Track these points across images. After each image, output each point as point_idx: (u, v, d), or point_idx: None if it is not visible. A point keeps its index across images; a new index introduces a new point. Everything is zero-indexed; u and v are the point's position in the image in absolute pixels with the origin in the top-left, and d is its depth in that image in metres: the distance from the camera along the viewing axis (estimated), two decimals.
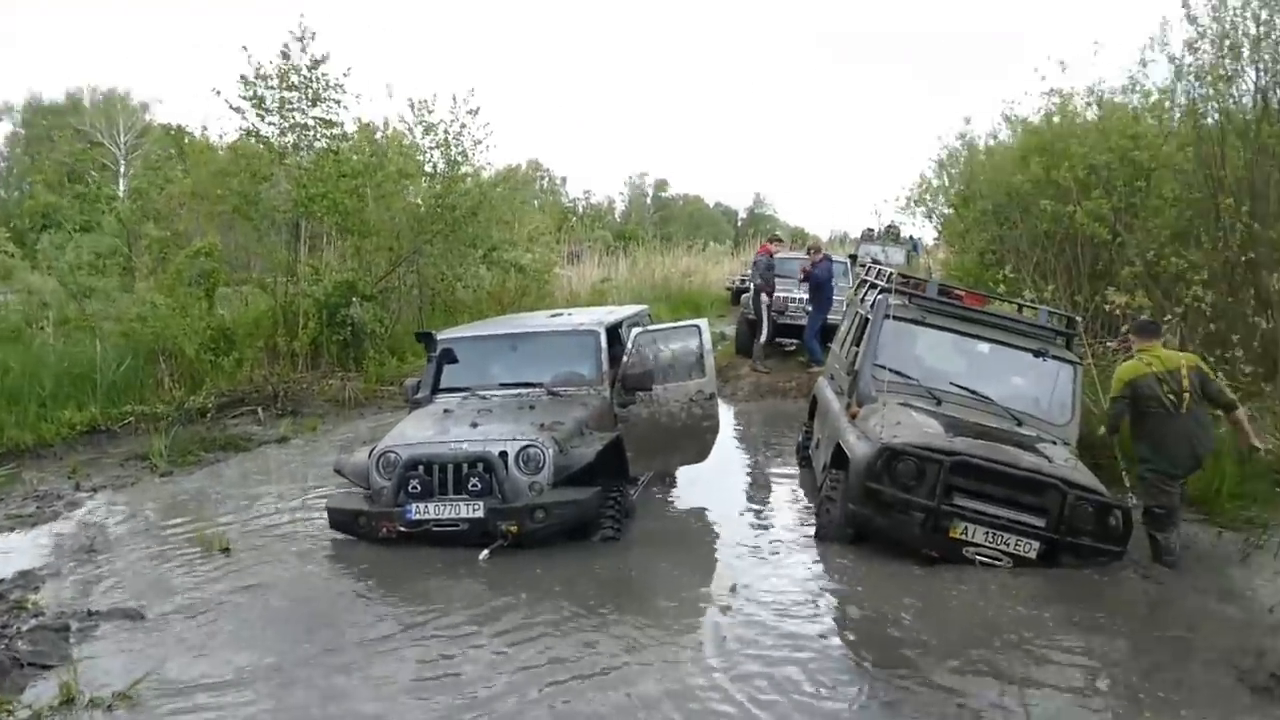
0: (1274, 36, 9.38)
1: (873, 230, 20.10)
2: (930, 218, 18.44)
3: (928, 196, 17.92)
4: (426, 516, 5.97)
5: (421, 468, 6.03)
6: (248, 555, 6.10)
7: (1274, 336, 8.81)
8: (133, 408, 10.02)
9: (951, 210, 16.89)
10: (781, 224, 59.85)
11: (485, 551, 5.84)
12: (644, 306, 9.80)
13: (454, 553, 5.88)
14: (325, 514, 6.40)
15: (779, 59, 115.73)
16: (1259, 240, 9.21)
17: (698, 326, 7.37)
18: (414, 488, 6.00)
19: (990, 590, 5.29)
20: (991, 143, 16.30)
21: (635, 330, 7.30)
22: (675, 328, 7.54)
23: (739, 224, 66.06)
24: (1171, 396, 5.94)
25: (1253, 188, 9.44)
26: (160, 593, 5.43)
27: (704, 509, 7.49)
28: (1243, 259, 9.34)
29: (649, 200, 68.47)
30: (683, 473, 8.00)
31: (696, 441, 7.21)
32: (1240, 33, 9.45)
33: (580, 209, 52.13)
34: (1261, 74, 9.52)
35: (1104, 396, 7.27)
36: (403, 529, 6.00)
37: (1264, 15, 9.31)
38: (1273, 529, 6.55)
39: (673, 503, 7.70)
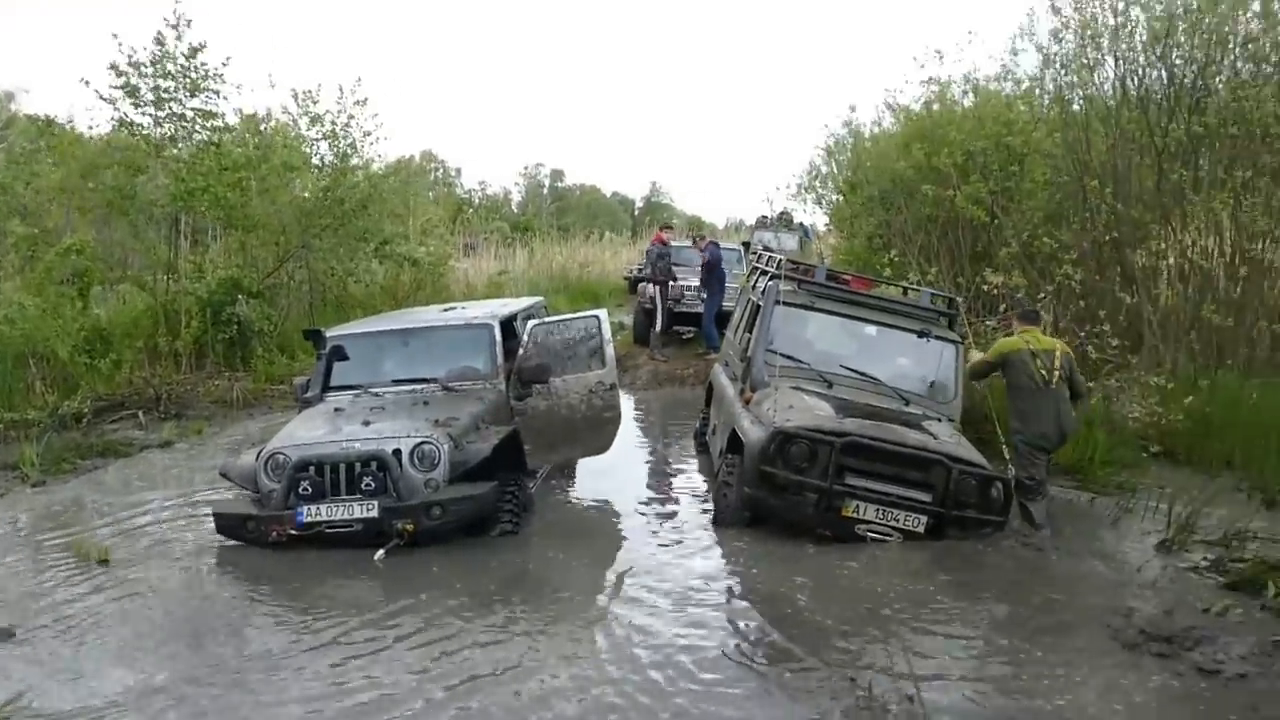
0: (1130, 27, 9.91)
1: (766, 217, 20.41)
2: (820, 204, 18.89)
3: (817, 183, 18.35)
4: (319, 519, 5.82)
5: (312, 468, 5.88)
6: (128, 566, 5.82)
7: (1138, 311, 9.35)
8: (1, 414, 9.47)
9: (840, 197, 17.30)
10: (678, 212, 60.30)
11: (381, 552, 5.73)
12: (539, 298, 9.79)
13: (348, 555, 5.75)
14: (212, 519, 6.18)
15: (673, 47, 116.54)
16: (1122, 220, 9.74)
17: (597, 317, 7.32)
18: (305, 489, 5.84)
19: (880, 566, 5.46)
20: (876, 130, 16.75)
21: (531, 323, 7.25)
22: (573, 319, 7.47)
23: (636, 213, 66.24)
24: (1043, 372, 6.34)
25: (1115, 171, 9.97)
26: (32, 609, 5.13)
27: (604, 499, 7.51)
28: (1108, 238, 9.88)
29: (546, 191, 68.02)
30: (582, 463, 8.01)
31: (598, 433, 7.20)
32: (1100, 23, 9.97)
33: (476, 200, 51.36)
34: (1120, 62, 10.05)
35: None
36: (294, 532, 5.84)
37: (1121, 6, 9.83)
38: (1140, 493, 6.98)
39: (572, 494, 7.69)
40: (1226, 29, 9.69)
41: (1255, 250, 9.22)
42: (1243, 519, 6.13)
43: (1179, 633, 4.60)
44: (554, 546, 6.13)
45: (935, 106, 13.06)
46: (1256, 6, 9.59)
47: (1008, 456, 6.63)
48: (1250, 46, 9.60)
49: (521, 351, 6.98)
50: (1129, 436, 7.90)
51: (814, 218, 21.92)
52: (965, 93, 13.04)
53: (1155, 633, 4.61)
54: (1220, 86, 9.76)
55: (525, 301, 8.99)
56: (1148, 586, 5.37)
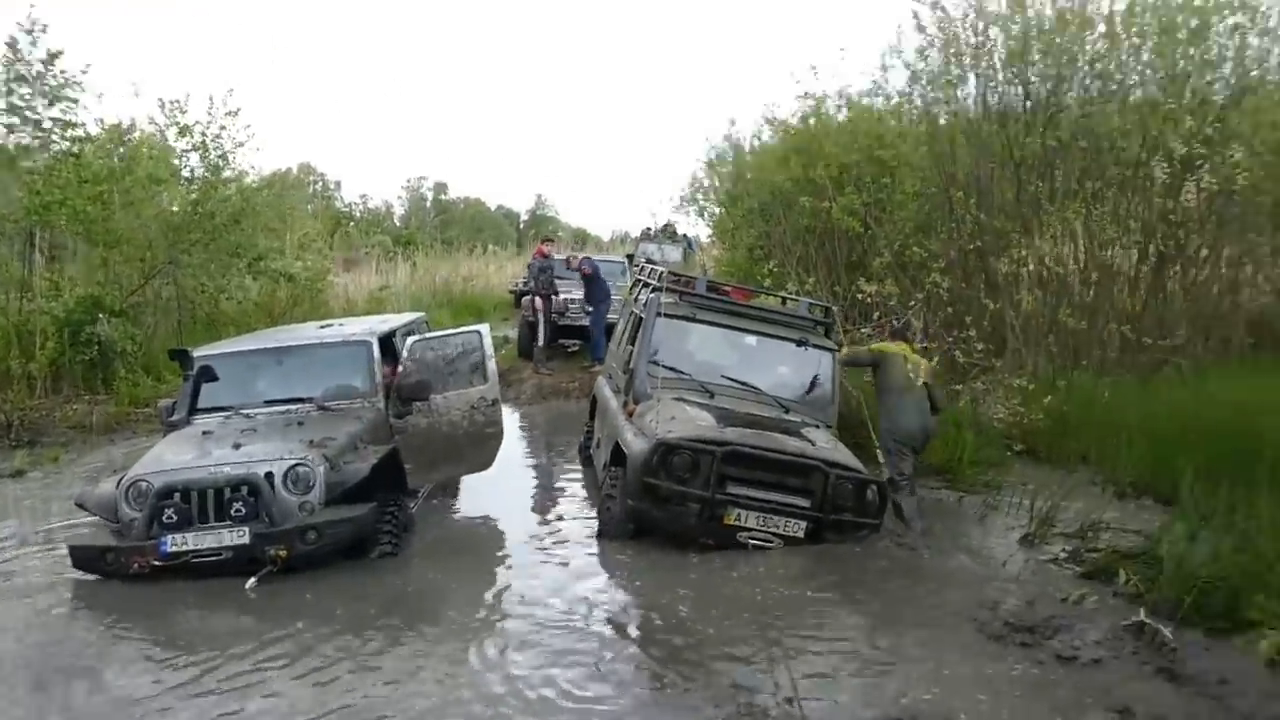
0: (989, 46, 10.41)
1: (651, 229, 20.61)
2: (703, 216, 19.18)
3: (700, 196, 18.63)
4: (185, 548, 5.54)
5: (178, 495, 5.60)
6: None
7: (1001, 316, 9.80)
8: None
9: (721, 209, 17.58)
10: (564, 225, 60.07)
11: (252, 580, 5.50)
12: (421, 314, 9.64)
13: (218, 585, 5.47)
14: (67, 552, 5.81)
15: (558, 59, 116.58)
16: (985, 230, 10.21)
17: (478, 332, 7.21)
18: (169, 517, 5.55)
19: (760, 574, 5.54)
20: (756, 143, 17.09)
21: (411, 339, 7.11)
22: (454, 334, 7.35)
23: (521, 226, 65.66)
24: (910, 375, 6.79)
25: (978, 183, 10.45)
26: None
27: (487, 516, 7.43)
28: (973, 247, 10.34)
29: (429, 204, 66.64)
30: (466, 481, 7.89)
31: (480, 450, 7.10)
32: (962, 42, 10.43)
33: (357, 214, 50.06)
34: (980, 79, 10.55)
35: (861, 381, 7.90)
36: (158, 563, 5.53)
37: (981, 26, 10.33)
38: (1005, 490, 7.32)
39: (455, 512, 7.57)
40: (1076, 49, 10.27)
41: (1105, 257, 9.80)
42: (1096, 511, 6.47)
43: (1040, 623, 4.85)
44: (435, 567, 6.00)
45: (812, 121, 13.40)
46: (1102, 28, 10.19)
47: (881, 460, 6.86)
48: (1097, 65, 10.21)
49: (401, 368, 6.84)
50: (994, 436, 8.27)
51: (698, 229, 22.25)
52: (840, 107, 13.41)
53: (1018, 624, 4.85)
54: (1071, 102, 10.33)
55: (406, 317, 8.83)
56: (1012, 580, 5.63)
